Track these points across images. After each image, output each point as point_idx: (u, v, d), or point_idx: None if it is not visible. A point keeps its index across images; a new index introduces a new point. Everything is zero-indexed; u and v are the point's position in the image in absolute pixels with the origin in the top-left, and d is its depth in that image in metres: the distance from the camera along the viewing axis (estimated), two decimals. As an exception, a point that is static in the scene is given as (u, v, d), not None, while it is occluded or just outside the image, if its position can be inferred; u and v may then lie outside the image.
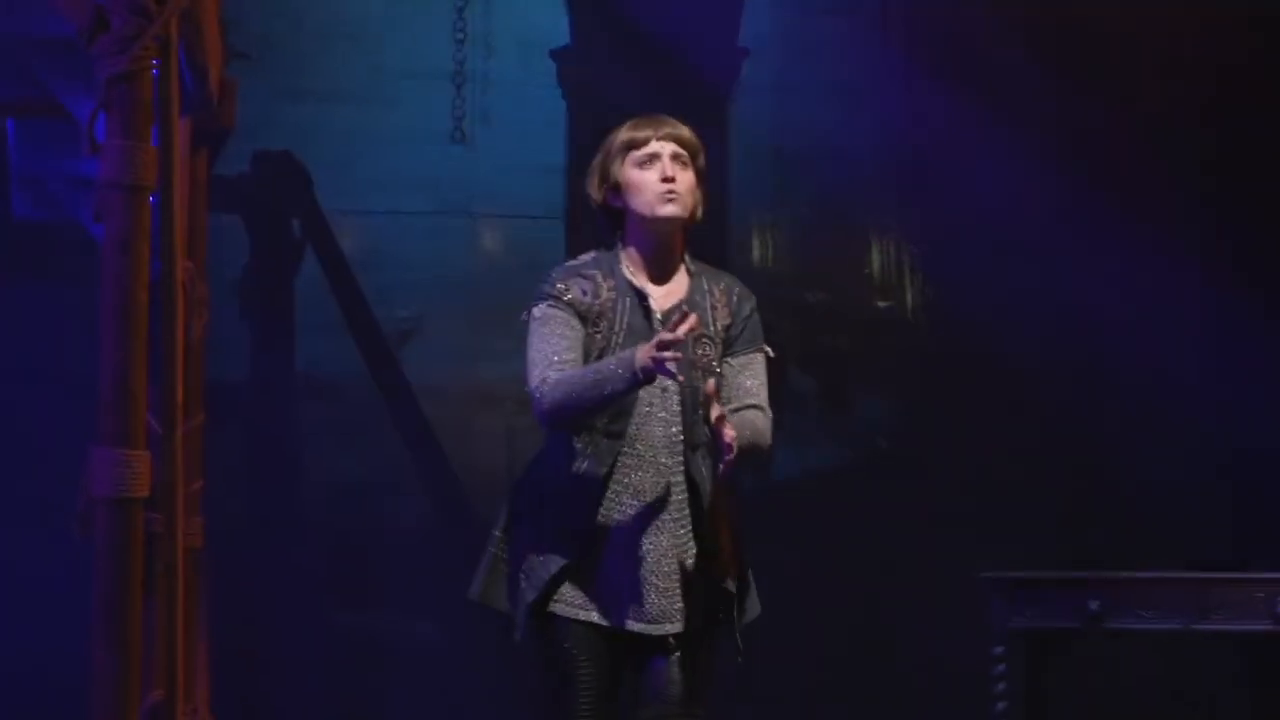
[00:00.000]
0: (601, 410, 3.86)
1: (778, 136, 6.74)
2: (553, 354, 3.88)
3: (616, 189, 4.03)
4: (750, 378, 4.08)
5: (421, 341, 6.47)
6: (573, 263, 4.08)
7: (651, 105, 6.51)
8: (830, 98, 6.74)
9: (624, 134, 4.07)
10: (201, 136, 5.40)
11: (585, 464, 3.92)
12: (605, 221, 4.10)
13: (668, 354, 3.71)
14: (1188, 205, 6.69)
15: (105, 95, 3.88)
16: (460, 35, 6.51)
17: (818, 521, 6.51)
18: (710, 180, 6.55)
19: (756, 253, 6.72)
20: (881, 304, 6.80)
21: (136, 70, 3.86)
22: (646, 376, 3.77)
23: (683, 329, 3.72)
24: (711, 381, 3.89)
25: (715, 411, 3.85)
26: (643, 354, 3.76)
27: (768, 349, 4.15)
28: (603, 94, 6.51)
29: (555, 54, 6.60)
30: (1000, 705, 5.52)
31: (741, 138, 6.66)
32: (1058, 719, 5.93)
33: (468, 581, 6.18)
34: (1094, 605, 5.45)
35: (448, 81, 6.51)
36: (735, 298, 4.11)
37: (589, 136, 6.53)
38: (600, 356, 3.92)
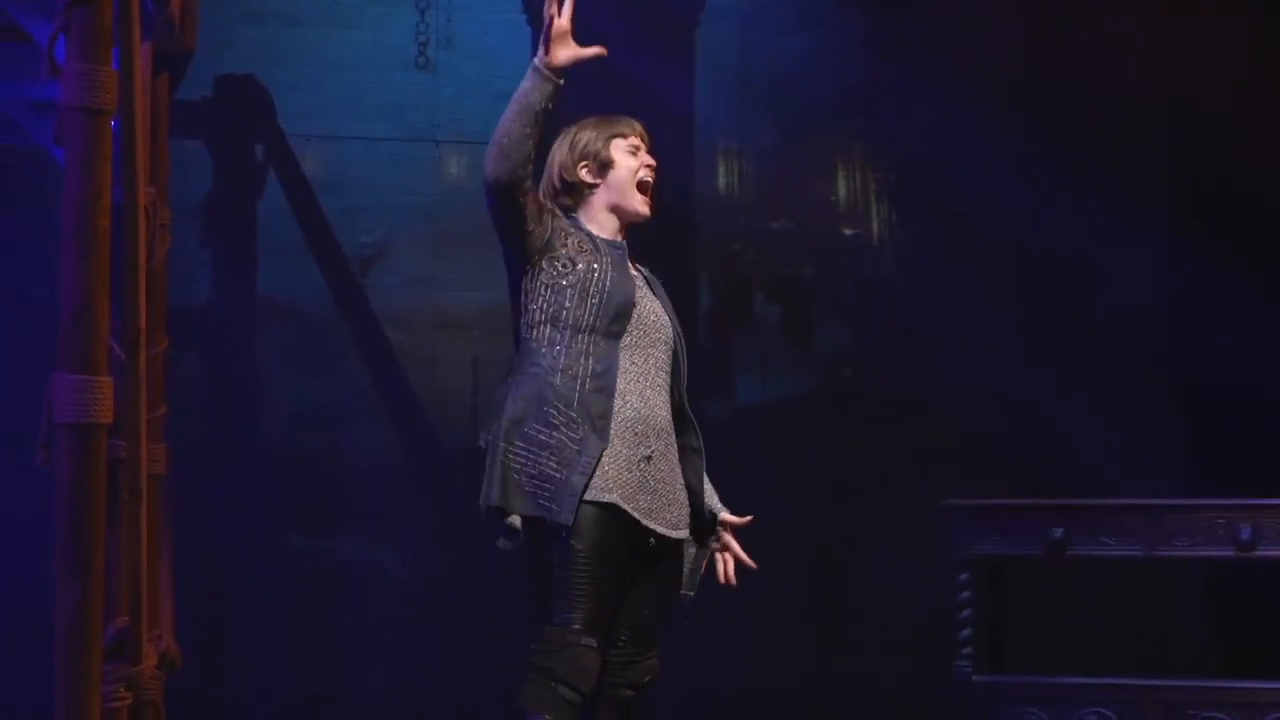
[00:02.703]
0: (530, 120, 3.98)
1: (744, 63, 6.73)
2: None
3: (604, 167, 4.16)
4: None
5: (385, 267, 6.46)
6: None
7: (618, 31, 6.56)
8: (797, 24, 6.74)
9: (601, 123, 4.22)
10: (163, 60, 5.35)
11: (591, 361, 3.99)
12: (561, 195, 4.19)
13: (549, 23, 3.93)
14: (1154, 144, 6.70)
15: (65, 18, 3.85)
16: (423, -43, 6.48)
17: (780, 449, 6.53)
18: (676, 107, 6.71)
19: (722, 180, 6.72)
20: (848, 231, 6.80)
21: (97, -8, 3.82)
22: (550, 68, 3.98)
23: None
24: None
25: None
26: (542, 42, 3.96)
27: None
28: (569, 18, 6.51)
29: (520, -23, 6.58)
30: (963, 633, 5.57)
31: (707, 64, 6.66)
32: (1019, 645, 5.99)
33: (432, 509, 6.30)
34: (1057, 532, 5.49)
35: (411, 5, 6.47)
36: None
37: None
38: (584, 291, 4.02)
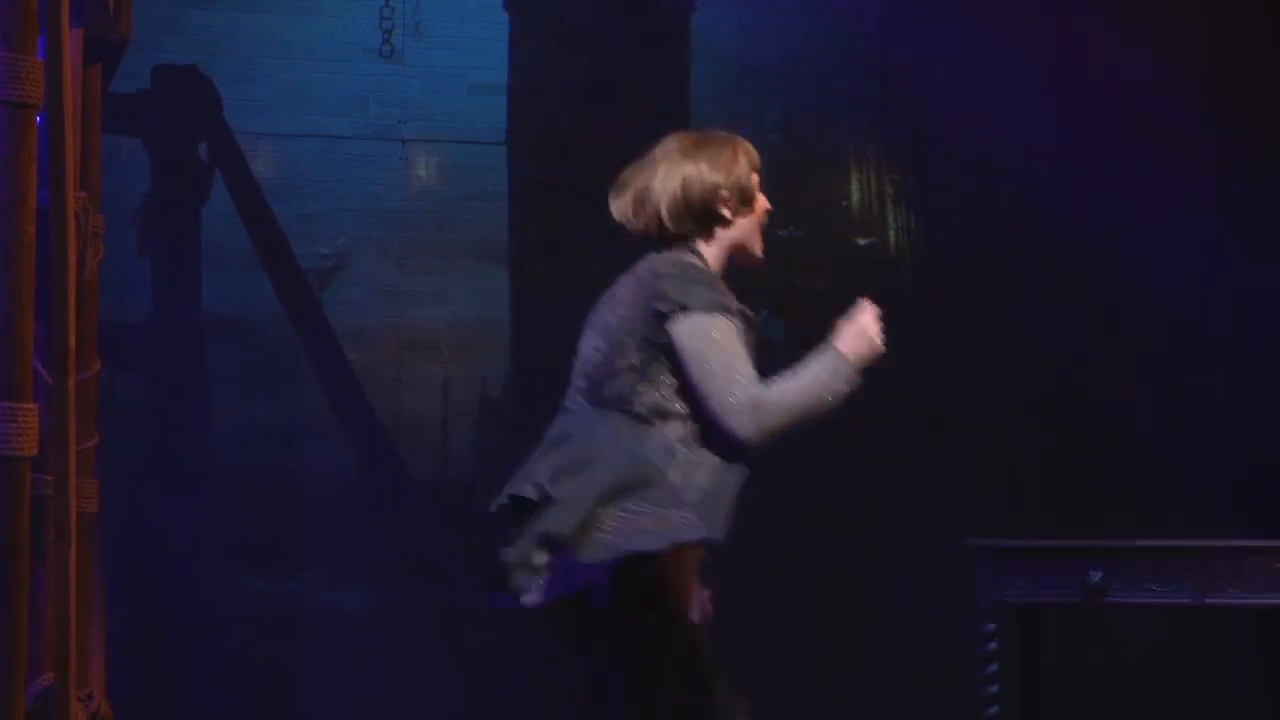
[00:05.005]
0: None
1: (744, 52, 6.74)
2: (747, 369, 3.85)
3: (746, 202, 4.04)
4: None
5: (345, 279, 6.45)
6: (704, 271, 4.00)
7: (607, 19, 6.63)
8: (801, 8, 6.74)
9: (741, 145, 4.08)
10: (95, 48, 5.35)
11: (731, 475, 3.86)
12: (681, 220, 4.00)
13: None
14: (1193, 125, 6.71)
15: (-16, 0, 3.82)
16: (389, -65, 6.50)
17: (785, 474, 6.48)
18: (669, 100, 6.72)
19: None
20: (861, 241, 6.80)
21: (20, -28, 3.81)
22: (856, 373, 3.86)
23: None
24: None
25: None
26: (860, 340, 3.89)
27: None
28: (549, 5, 6.53)
29: (497, -41, 6.62)
30: (991, 688, 5.53)
31: (704, 54, 6.67)
32: (1056, 698, 5.98)
33: (396, 543, 6.31)
34: (1095, 576, 5.46)
35: (375, -12, 6.51)
36: None
37: (534, 52, 6.65)
38: None
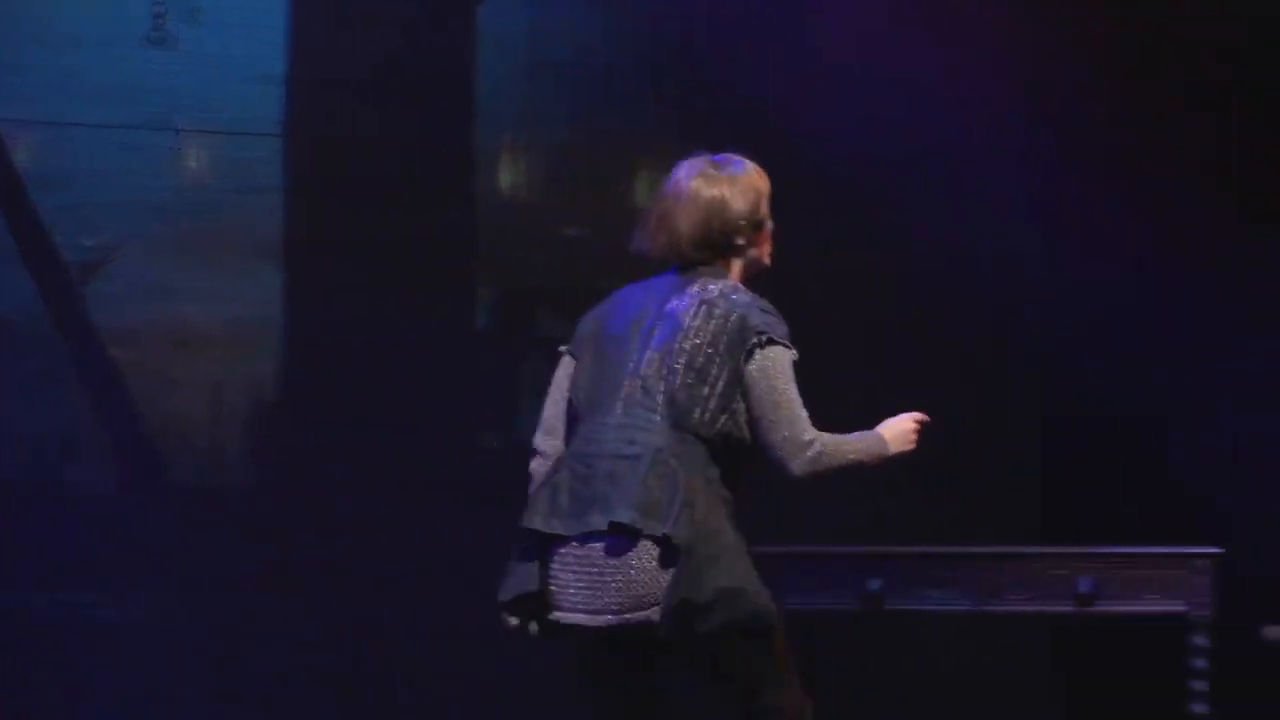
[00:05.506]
0: None
1: (534, 46, 6.70)
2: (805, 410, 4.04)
3: (759, 228, 4.15)
4: None
5: (112, 274, 6.32)
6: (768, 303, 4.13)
7: (389, 7, 6.54)
8: (593, 2, 6.71)
9: (765, 177, 4.21)
10: None
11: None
12: (697, 249, 4.12)
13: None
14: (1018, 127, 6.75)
15: None
16: (161, -88, 6.41)
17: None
18: (454, 96, 6.67)
19: (506, 180, 6.70)
20: (652, 240, 6.78)
21: None
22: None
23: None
24: None
25: None
26: (903, 439, 4.12)
27: None
28: (331, -8, 6.49)
29: (275, -56, 6.53)
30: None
31: (491, 48, 6.63)
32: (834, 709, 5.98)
33: (169, 553, 6.20)
34: (873, 584, 5.48)
35: (145, -31, 6.42)
36: None
37: (314, 42, 6.55)
38: None
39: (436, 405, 6.41)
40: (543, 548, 3.91)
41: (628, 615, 3.84)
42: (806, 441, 3.94)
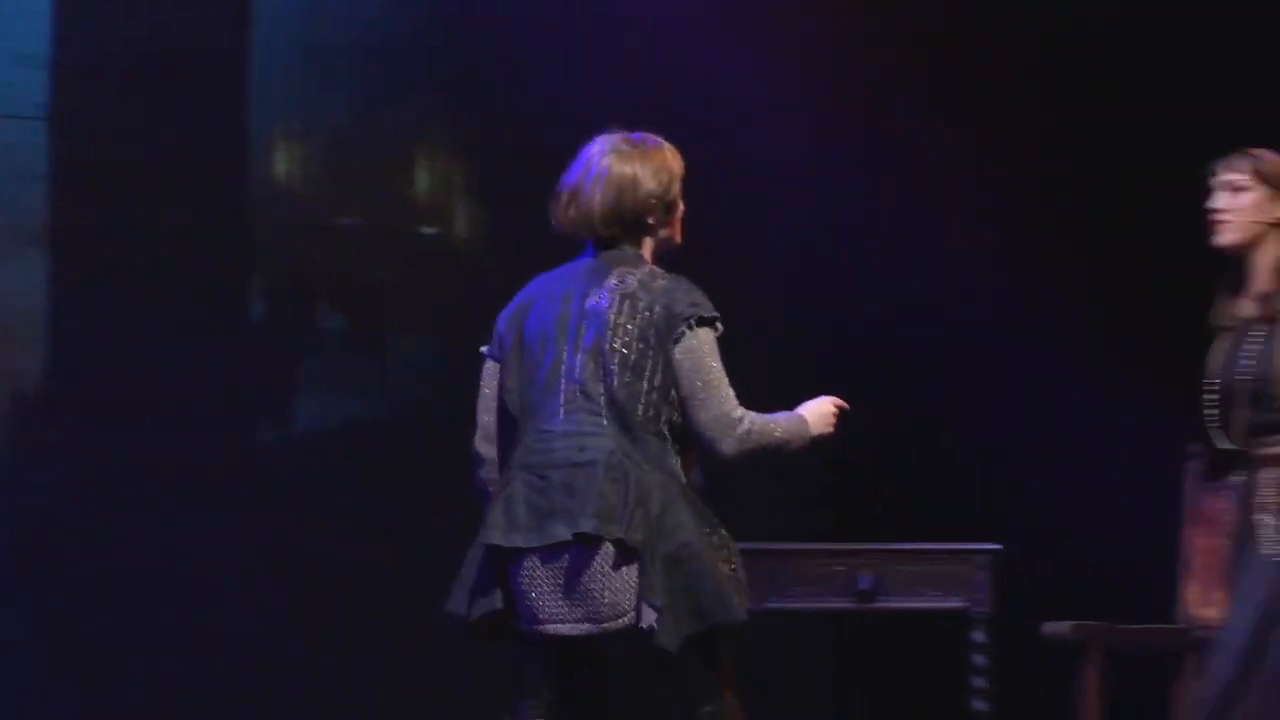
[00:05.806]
0: None
1: (308, 30, 6.61)
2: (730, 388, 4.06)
3: (671, 209, 4.14)
4: None
5: None
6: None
7: None
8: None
9: (672, 152, 4.18)
10: None
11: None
12: (608, 227, 4.09)
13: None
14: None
15: None
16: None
17: (346, 482, 6.40)
18: (227, 81, 6.57)
19: (281, 168, 6.60)
20: (427, 230, 6.74)
21: None
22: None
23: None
24: None
25: None
26: (823, 421, 4.12)
27: None
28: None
29: (32, -82, 6.41)
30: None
31: (265, 30, 6.55)
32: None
33: None
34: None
35: None
36: None
37: (80, 22, 6.40)
38: None
39: (208, 398, 6.31)
40: (502, 563, 3.92)
41: (606, 624, 3.87)
42: (736, 419, 3.96)
